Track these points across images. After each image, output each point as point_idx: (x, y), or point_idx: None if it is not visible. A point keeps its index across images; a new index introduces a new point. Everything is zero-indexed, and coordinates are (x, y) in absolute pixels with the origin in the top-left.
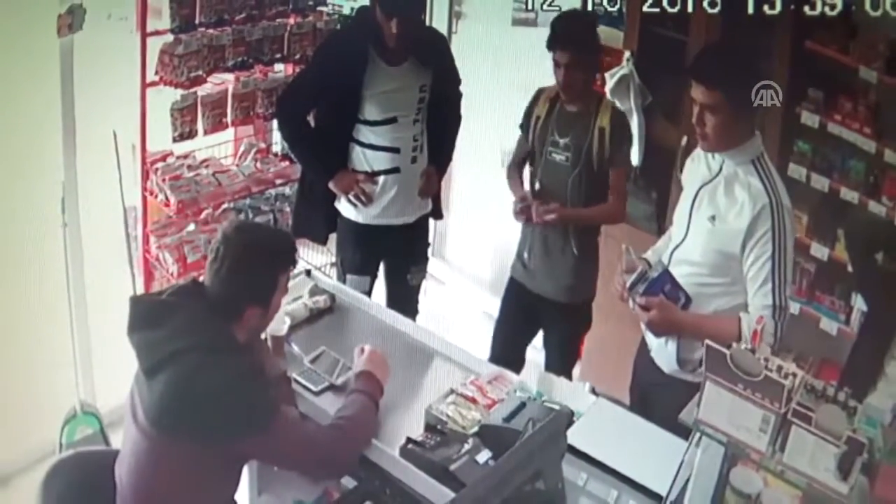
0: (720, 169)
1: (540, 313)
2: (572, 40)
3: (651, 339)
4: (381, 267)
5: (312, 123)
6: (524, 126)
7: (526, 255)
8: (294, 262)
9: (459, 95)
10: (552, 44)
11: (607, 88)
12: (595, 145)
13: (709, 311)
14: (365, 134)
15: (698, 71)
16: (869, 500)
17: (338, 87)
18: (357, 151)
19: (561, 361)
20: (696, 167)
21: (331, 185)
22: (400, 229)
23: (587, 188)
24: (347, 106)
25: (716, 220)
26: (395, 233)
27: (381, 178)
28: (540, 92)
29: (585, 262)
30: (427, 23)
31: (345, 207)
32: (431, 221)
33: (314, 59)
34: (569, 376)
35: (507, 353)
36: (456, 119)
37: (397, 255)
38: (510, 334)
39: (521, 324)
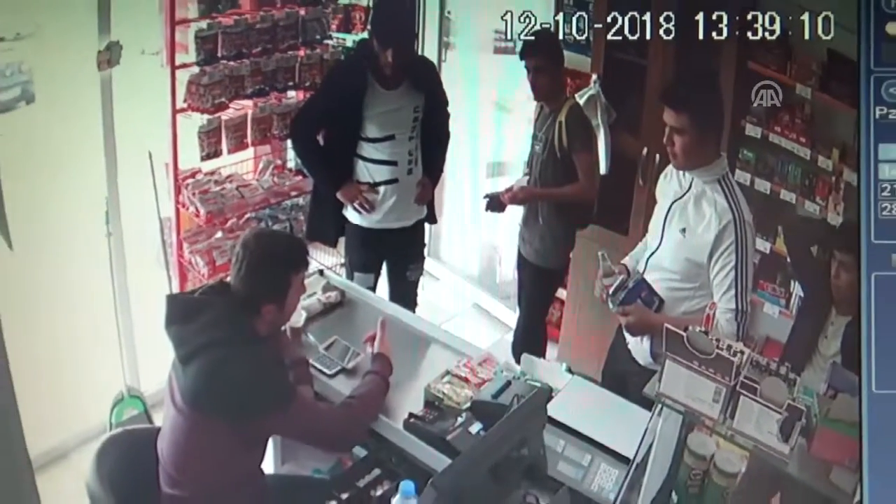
0: (690, 186)
1: (525, 274)
2: (537, 48)
3: (629, 337)
4: (384, 265)
5: (321, 142)
6: None
7: (520, 225)
8: (304, 265)
9: (448, 115)
10: (522, 52)
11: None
12: (556, 136)
13: (679, 313)
14: (367, 150)
15: (668, 97)
16: (807, 459)
17: (342, 109)
18: (360, 165)
19: (528, 320)
20: (669, 184)
21: (338, 195)
22: (399, 232)
23: (554, 171)
24: (351, 125)
25: (686, 233)
26: (395, 235)
27: (382, 189)
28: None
29: (551, 232)
30: (419, 52)
31: (351, 214)
32: (426, 225)
33: (321, 86)
34: (537, 341)
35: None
36: (445, 135)
37: (397, 255)
38: (522, 296)
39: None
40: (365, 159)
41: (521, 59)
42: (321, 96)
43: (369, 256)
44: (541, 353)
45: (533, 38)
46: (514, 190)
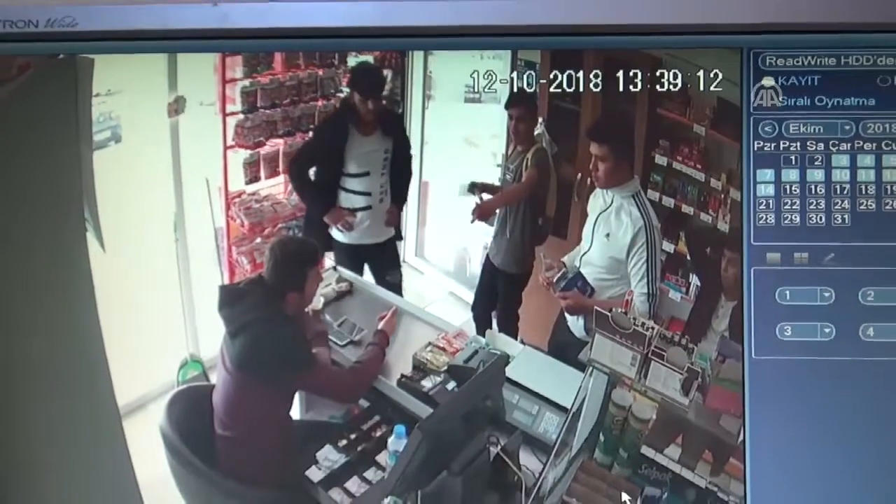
0: (612, 202)
1: (494, 280)
2: (521, 102)
3: (568, 316)
4: (367, 270)
5: (312, 177)
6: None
7: (491, 239)
8: (316, 261)
9: (410, 157)
10: (509, 102)
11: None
12: (522, 168)
13: (606, 297)
14: (347, 183)
15: (593, 132)
16: (702, 409)
17: (328, 152)
18: (342, 195)
19: (501, 317)
20: (596, 201)
21: (325, 219)
22: (374, 247)
23: None
24: (335, 164)
25: (609, 237)
26: (370, 249)
27: (359, 214)
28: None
29: (513, 241)
30: (408, 104)
31: (335, 233)
32: (413, 234)
33: (313, 134)
34: (510, 330)
35: (480, 313)
36: (409, 172)
37: (375, 264)
38: (478, 299)
39: (485, 290)
40: (346, 190)
41: (507, 108)
42: (312, 142)
43: (352, 265)
44: (513, 334)
45: (518, 93)
46: (478, 210)
